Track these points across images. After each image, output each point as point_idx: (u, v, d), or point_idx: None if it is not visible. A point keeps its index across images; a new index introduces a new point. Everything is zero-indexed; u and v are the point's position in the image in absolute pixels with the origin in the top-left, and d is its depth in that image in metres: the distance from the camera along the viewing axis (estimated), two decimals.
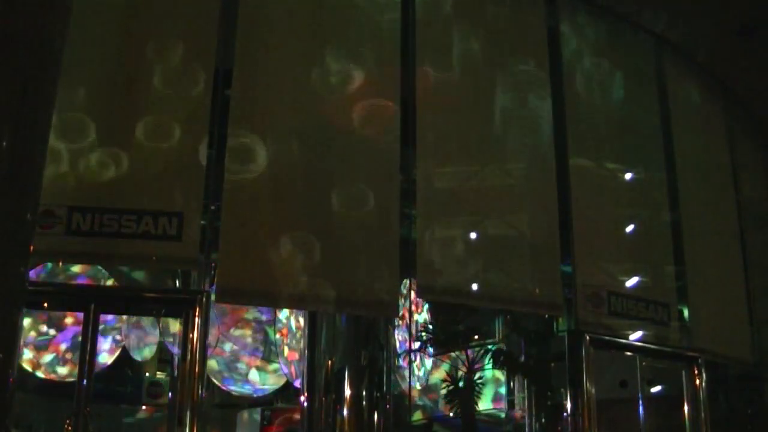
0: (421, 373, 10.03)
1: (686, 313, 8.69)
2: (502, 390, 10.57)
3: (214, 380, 9.51)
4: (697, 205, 9.26)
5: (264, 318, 9.46)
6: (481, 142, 7.93)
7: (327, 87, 7.39)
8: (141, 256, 6.67)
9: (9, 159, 3.82)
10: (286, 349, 9.14)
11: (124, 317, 9.40)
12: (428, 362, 10.05)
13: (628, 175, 8.87)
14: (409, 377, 8.94)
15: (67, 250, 6.53)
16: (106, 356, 9.53)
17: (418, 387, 10.21)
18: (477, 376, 8.48)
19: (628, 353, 8.37)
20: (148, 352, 9.90)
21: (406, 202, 7.31)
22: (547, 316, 8.29)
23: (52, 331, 9.32)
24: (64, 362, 9.35)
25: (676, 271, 8.80)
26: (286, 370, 9.30)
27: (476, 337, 9.05)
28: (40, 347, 9.33)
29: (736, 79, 9.99)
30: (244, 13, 7.29)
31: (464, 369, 8.45)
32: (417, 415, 10.55)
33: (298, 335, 8.99)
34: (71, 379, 8.59)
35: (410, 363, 9.14)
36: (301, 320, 8.68)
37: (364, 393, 7.49)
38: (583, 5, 8.92)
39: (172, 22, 7.18)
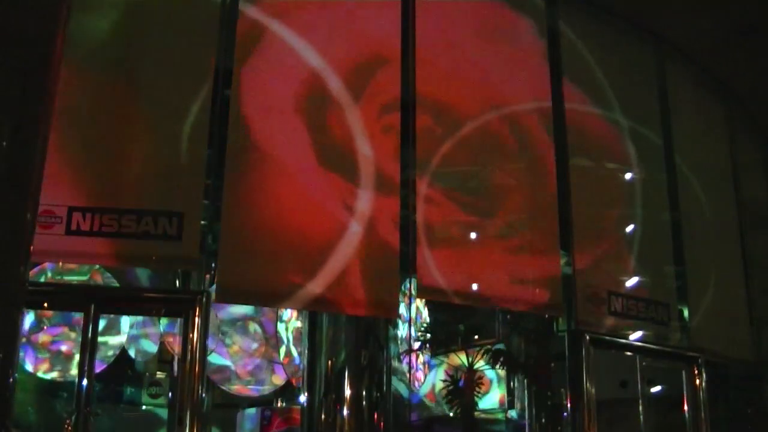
0: (420, 375, 10.03)
1: (686, 313, 8.69)
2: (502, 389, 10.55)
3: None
4: (697, 205, 9.27)
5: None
6: (480, 142, 7.93)
7: (328, 87, 7.39)
8: (141, 256, 6.67)
9: (9, 159, 3.82)
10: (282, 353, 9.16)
11: None
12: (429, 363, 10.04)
13: (628, 175, 8.88)
14: (409, 377, 8.94)
15: (67, 250, 6.53)
16: None
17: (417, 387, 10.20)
18: (477, 375, 8.48)
19: (628, 353, 8.36)
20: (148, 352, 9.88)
21: (406, 202, 7.31)
22: (547, 316, 8.29)
23: None
24: None
25: (676, 271, 8.80)
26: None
27: (476, 337, 9.04)
28: None
29: (736, 79, 9.99)
30: (244, 13, 7.28)
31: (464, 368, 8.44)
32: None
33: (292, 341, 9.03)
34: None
35: (410, 363, 9.13)
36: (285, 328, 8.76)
37: (364, 393, 7.49)
38: (583, 5, 8.92)
39: (173, 23, 7.18)
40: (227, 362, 9.44)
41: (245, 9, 7.31)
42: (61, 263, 8.33)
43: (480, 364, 8.36)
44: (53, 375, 8.62)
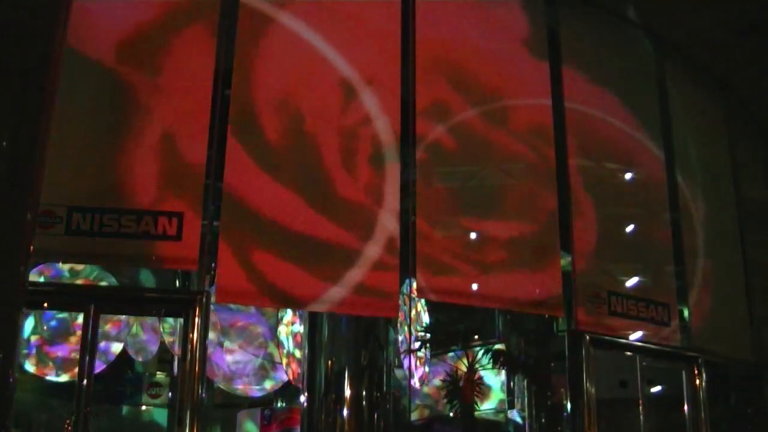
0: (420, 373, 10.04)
1: (686, 313, 8.69)
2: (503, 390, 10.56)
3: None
4: (697, 205, 9.27)
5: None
6: (480, 142, 7.93)
7: (327, 87, 7.39)
8: (141, 256, 6.67)
9: (9, 159, 3.82)
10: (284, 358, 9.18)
11: None
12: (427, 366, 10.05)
13: (628, 175, 8.88)
14: (409, 377, 8.94)
15: (67, 250, 6.53)
16: None
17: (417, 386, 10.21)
18: (477, 376, 8.48)
19: (628, 353, 8.36)
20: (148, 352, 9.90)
21: (406, 202, 7.30)
22: (547, 316, 8.29)
23: None
24: None
25: (676, 271, 8.80)
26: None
27: (476, 337, 9.05)
28: None
29: (736, 79, 9.99)
30: (244, 14, 7.28)
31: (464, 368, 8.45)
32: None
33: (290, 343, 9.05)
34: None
35: (410, 363, 9.14)
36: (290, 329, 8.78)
37: (364, 393, 7.49)
38: (583, 5, 8.93)
39: (173, 22, 7.18)
40: (226, 365, 9.46)
41: (245, 6, 7.30)
42: (61, 264, 8.35)
43: (479, 365, 8.38)
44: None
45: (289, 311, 9.12)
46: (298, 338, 9.04)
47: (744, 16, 8.88)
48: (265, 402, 10.58)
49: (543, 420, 8.96)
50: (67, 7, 4.30)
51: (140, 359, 10.15)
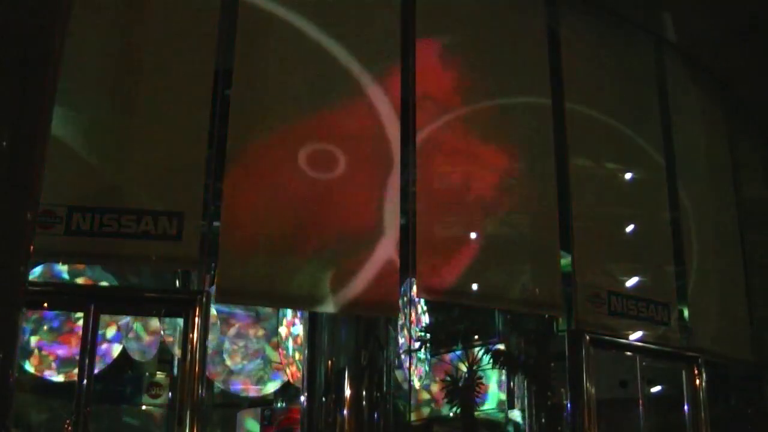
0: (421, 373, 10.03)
1: (686, 313, 8.69)
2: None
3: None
4: (697, 205, 9.27)
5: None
6: (480, 142, 7.93)
7: (328, 86, 7.39)
8: (141, 256, 6.67)
9: (9, 159, 3.82)
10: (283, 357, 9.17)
11: None
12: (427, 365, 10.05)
13: (628, 175, 8.88)
14: (409, 377, 8.94)
15: (67, 250, 6.53)
16: None
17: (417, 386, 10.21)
18: (477, 375, 8.48)
19: (628, 353, 8.36)
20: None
21: (406, 202, 7.30)
22: (547, 316, 8.29)
23: None
24: None
25: (676, 271, 8.80)
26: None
27: (476, 337, 9.05)
28: None
29: (736, 79, 9.99)
30: (244, 13, 7.28)
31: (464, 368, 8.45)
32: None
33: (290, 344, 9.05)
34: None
35: (409, 363, 9.14)
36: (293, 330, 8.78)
37: (364, 393, 7.48)
38: (583, 5, 8.93)
39: (173, 22, 7.18)
40: (228, 364, 9.46)
41: (246, 5, 7.30)
42: (61, 264, 8.35)
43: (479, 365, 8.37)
44: None
45: (289, 311, 9.12)
46: (299, 339, 9.04)
47: (744, 16, 8.88)
48: (265, 402, 10.58)
49: (543, 420, 8.96)
50: (68, 7, 4.31)
51: (140, 359, 10.15)
